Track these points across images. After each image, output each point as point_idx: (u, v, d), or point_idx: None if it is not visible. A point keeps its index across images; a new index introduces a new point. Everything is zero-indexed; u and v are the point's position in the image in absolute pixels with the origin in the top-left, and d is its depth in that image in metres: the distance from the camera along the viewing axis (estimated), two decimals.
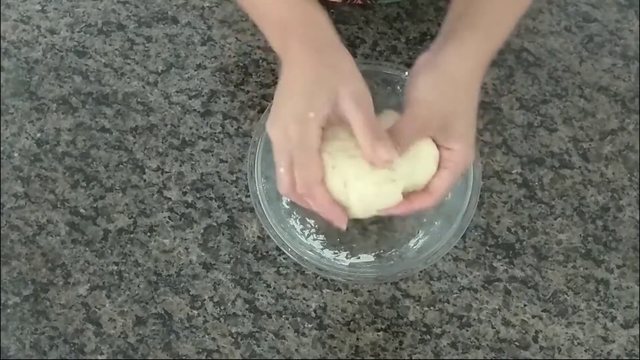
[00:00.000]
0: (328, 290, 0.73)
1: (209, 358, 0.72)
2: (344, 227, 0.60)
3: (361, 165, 0.59)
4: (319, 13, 0.60)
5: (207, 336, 0.72)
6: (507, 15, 0.64)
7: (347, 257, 0.71)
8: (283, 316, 0.73)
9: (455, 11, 0.63)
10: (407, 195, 0.61)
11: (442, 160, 0.61)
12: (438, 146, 0.60)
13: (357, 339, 0.72)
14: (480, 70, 0.62)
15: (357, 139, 0.57)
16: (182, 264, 0.75)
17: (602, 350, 0.72)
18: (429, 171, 0.61)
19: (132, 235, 0.76)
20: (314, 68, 0.58)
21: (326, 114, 0.57)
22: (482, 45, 0.62)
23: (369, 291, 0.73)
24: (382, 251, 0.71)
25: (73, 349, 0.72)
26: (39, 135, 0.79)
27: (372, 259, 0.71)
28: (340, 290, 0.74)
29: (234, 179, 0.77)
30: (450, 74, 0.60)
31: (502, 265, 0.74)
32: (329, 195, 0.59)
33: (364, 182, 0.59)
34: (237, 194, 0.77)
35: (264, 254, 0.75)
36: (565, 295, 0.73)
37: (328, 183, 0.59)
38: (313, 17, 0.60)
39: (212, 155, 0.78)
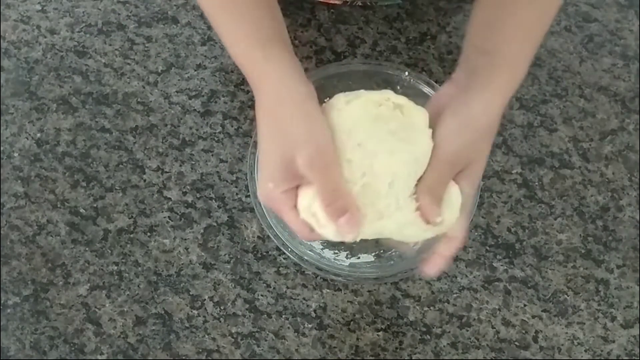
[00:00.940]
0: (328, 290, 0.73)
1: (209, 358, 0.72)
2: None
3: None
4: (287, 59, 0.59)
5: (207, 336, 0.72)
6: (528, 49, 0.62)
7: (347, 257, 0.71)
8: (283, 316, 0.73)
9: (476, 44, 0.61)
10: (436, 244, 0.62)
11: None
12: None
13: (357, 339, 0.72)
14: (502, 111, 0.61)
15: (320, 205, 0.57)
16: (182, 264, 0.75)
17: (602, 350, 0.72)
18: (455, 214, 0.60)
19: (132, 235, 0.76)
20: (269, 134, 0.58)
21: (287, 183, 0.57)
22: (506, 87, 0.61)
23: (369, 291, 0.73)
24: (382, 251, 0.71)
25: (73, 349, 0.72)
26: (39, 135, 0.79)
27: (372, 259, 0.71)
28: (340, 290, 0.74)
29: (234, 179, 0.77)
30: (476, 121, 0.59)
31: (502, 265, 0.74)
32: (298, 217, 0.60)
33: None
34: (237, 194, 0.77)
35: (264, 254, 0.75)
36: (565, 295, 0.73)
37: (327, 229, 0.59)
38: (280, 69, 0.59)
39: (212, 155, 0.78)
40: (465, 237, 0.62)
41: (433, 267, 0.61)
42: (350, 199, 0.57)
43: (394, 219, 0.58)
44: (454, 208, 0.59)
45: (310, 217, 0.58)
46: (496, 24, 0.61)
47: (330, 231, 0.58)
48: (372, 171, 0.57)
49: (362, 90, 0.59)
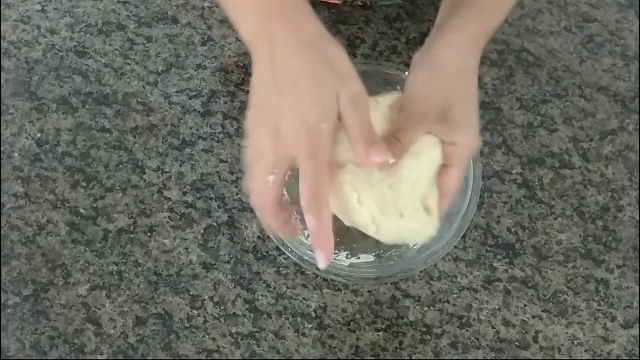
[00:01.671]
0: (328, 290, 0.73)
1: (209, 358, 0.72)
2: (322, 265, 0.55)
3: (384, 193, 0.58)
4: (307, 4, 0.56)
5: (207, 336, 0.72)
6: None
7: (347, 257, 0.71)
8: (283, 316, 0.73)
9: (448, 1, 0.62)
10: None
11: (447, 157, 0.59)
12: (440, 141, 0.60)
13: (357, 339, 0.72)
14: (474, 56, 0.60)
15: (350, 142, 0.55)
16: (182, 264, 0.75)
17: (602, 350, 0.72)
18: (433, 169, 0.60)
19: (132, 235, 0.76)
20: (310, 66, 0.53)
21: (337, 124, 0.53)
22: (474, 30, 0.60)
23: (369, 291, 0.73)
24: (382, 251, 0.71)
25: (73, 349, 0.72)
26: (39, 135, 0.79)
27: (372, 259, 0.71)
28: (340, 290, 0.74)
29: (234, 179, 0.77)
30: (441, 65, 0.59)
31: (502, 265, 0.74)
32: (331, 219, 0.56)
33: (392, 215, 0.58)
34: (237, 194, 0.77)
35: (264, 254, 0.75)
36: (565, 295, 0.73)
37: (355, 217, 0.58)
38: (302, 6, 0.56)
39: (212, 155, 0.78)
40: (455, 194, 0.61)
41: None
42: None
43: (413, 219, 0.59)
44: (428, 161, 0.59)
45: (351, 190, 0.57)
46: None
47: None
48: (397, 172, 0.58)
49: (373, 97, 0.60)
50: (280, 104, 0.53)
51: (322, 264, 0.54)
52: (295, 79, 0.53)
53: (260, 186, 0.54)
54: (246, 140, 0.56)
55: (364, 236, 0.72)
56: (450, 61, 0.59)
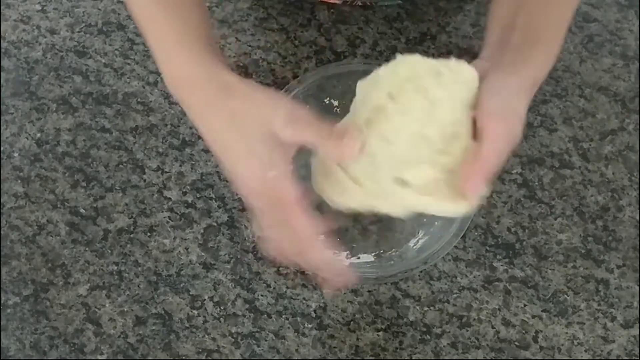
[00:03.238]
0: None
1: (209, 358, 0.72)
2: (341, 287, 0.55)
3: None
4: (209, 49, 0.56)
5: (207, 336, 0.72)
6: (563, 22, 0.60)
7: (347, 257, 0.71)
8: (283, 316, 0.73)
9: (507, 21, 0.58)
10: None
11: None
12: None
13: (357, 339, 0.72)
14: (536, 88, 0.58)
15: (318, 153, 0.54)
16: (182, 264, 0.75)
17: (602, 350, 0.72)
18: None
19: (132, 235, 0.76)
20: (227, 125, 0.54)
21: (283, 157, 0.53)
22: (543, 62, 0.58)
23: (369, 291, 0.73)
24: (382, 251, 0.71)
25: (73, 349, 0.72)
26: (39, 135, 0.79)
27: (372, 259, 0.71)
28: (341, 290, 0.74)
29: None
30: (524, 88, 0.56)
31: (502, 265, 0.74)
32: (328, 250, 0.55)
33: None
34: (237, 194, 0.77)
35: (264, 253, 0.75)
36: (565, 295, 0.73)
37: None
38: (211, 67, 0.55)
39: (212, 155, 0.78)
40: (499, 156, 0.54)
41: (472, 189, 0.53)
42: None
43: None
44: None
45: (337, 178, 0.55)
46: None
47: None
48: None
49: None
50: (238, 169, 0.55)
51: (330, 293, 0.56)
52: (222, 146, 0.55)
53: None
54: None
55: (364, 236, 0.73)
56: (523, 94, 0.56)
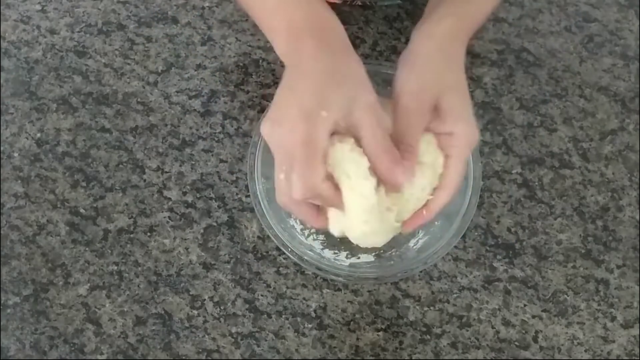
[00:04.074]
0: (328, 290, 0.74)
1: (209, 358, 0.72)
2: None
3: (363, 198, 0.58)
4: (333, 17, 0.58)
5: (207, 336, 0.72)
6: None
7: (347, 257, 0.71)
8: (283, 316, 0.73)
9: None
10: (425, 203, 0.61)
11: (445, 148, 0.59)
12: (437, 135, 0.59)
13: (357, 339, 0.72)
14: (456, 46, 0.60)
15: (369, 156, 0.54)
16: (182, 264, 0.75)
17: (602, 350, 0.72)
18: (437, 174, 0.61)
19: (132, 235, 0.76)
20: (327, 71, 0.54)
21: (339, 117, 0.54)
22: (453, 21, 0.60)
23: (369, 291, 0.73)
24: (382, 251, 0.71)
25: (73, 349, 0.72)
26: (39, 135, 0.79)
27: (372, 259, 0.71)
28: (340, 290, 0.74)
29: (234, 179, 0.77)
30: (423, 56, 0.58)
31: (502, 265, 0.74)
32: (338, 192, 0.56)
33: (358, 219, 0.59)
34: (237, 194, 0.77)
35: (264, 254, 0.75)
36: (565, 295, 0.73)
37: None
38: (327, 22, 0.58)
39: (212, 155, 0.78)
40: (458, 186, 0.61)
41: (417, 221, 0.61)
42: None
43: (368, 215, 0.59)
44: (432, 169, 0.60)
45: (344, 176, 0.56)
46: None
47: (367, 186, 0.56)
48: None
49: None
50: (289, 102, 0.55)
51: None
52: (313, 80, 0.54)
53: (277, 184, 0.57)
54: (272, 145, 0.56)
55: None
56: (431, 52, 0.59)
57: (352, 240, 0.63)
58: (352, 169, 0.56)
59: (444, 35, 0.60)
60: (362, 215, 0.58)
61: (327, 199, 0.56)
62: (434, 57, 0.59)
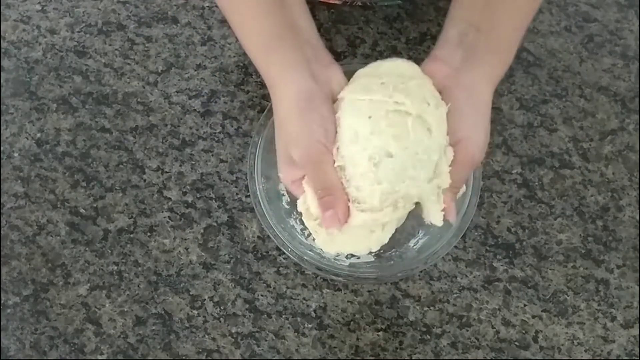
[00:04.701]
0: (328, 290, 0.73)
1: (209, 358, 0.72)
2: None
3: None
4: (289, 58, 0.61)
5: (207, 336, 0.72)
6: (520, 33, 0.64)
7: (347, 257, 0.71)
8: (283, 316, 0.73)
9: (472, 22, 0.61)
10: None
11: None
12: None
13: (357, 339, 0.72)
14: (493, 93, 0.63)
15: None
16: (182, 264, 0.75)
17: (602, 350, 0.72)
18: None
19: (132, 235, 0.76)
20: (277, 131, 0.61)
21: (291, 175, 0.62)
22: (499, 70, 0.62)
23: (369, 291, 0.73)
24: (382, 251, 0.71)
25: (73, 349, 0.72)
26: (39, 135, 0.79)
27: (372, 259, 0.71)
28: (340, 290, 0.74)
29: (234, 179, 0.77)
30: (483, 103, 0.60)
31: (502, 265, 0.74)
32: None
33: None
34: (237, 194, 0.77)
35: (264, 254, 0.75)
36: (565, 295, 0.73)
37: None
38: (281, 71, 0.61)
39: (212, 155, 0.78)
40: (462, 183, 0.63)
41: (450, 214, 0.62)
42: (341, 194, 0.59)
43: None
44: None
45: (304, 209, 0.62)
46: (494, 2, 0.61)
47: (314, 226, 0.63)
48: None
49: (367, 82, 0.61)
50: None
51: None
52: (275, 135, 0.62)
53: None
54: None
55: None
56: (488, 95, 0.61)
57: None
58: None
59: (497, 81, 0.62)
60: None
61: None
62: (488, 105, 0.61)
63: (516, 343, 0.72)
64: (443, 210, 0.61)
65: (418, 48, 0.82)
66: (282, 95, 0.60)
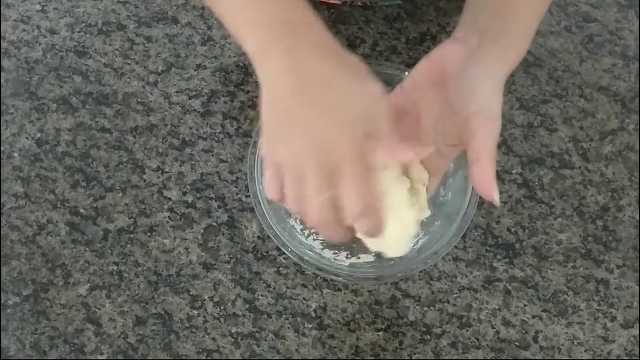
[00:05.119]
0: (328, 290, 0.74)
1: (209, 358, 0.72)
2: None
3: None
4: (318, 19, 0.54)
5: (207, 336, 0.72)
6: (536, 23, 0.63)
7: (347, 257, 0.71)
8: (283, 316, 0.73)
9: (492, 6, 0.61)
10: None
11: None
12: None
13: (357, 339, 0.72)
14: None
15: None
16: (182, 264, 0.75)
17: (602, 350, 0.72)
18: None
19: (132, 235, 0.76)
20: (339, 72, 0.50)
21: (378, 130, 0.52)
22: (514, 57, 0.61)
23: (369, 291, 0.73)
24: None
25: (73, 349, 0.72)
26: (39, 135, 0.79)
27: (372, 259, 0.71)
28: (340, 290, 0.74)
29: (234, 179, 0.77)
30: (496, 80, 0.59)
31: (502, 265, 0.74)
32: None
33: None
34: (237, 194, 0.77)
35: (264, 254, 0.75)
36: (565, 295, 0.73)
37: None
38: (314, 20, 0.53)
39: (212, 155, 0.78)
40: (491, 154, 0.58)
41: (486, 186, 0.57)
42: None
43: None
44: None
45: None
46: None
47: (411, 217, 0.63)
48: None
49: None
50: (310, 112, 0.50)
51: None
52: (327, 85, 0.50)
53: (316, 207, 0.51)
54: (268, 161, 0.53)
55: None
56: (501, 75, 0.60)
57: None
58: (395, 198, 0.59)
59: (506, 77, 0.61)
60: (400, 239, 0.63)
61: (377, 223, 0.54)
62: (501, 84, 0.60)
63: (516, 343, 0.72)
64: (481, 185, 0.57)
65: (418, 48, 0.82)
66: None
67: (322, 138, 0.50)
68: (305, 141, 0.50)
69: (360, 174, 0.50)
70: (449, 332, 0.72)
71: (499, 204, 0.60)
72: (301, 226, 0.71)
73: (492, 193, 0.57)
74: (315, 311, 0.73)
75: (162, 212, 0.76)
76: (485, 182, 0.57)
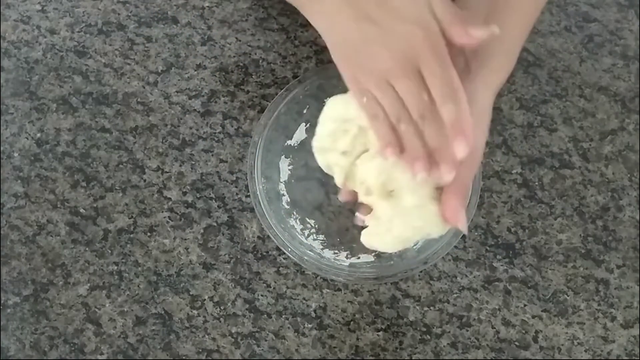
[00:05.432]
0: (328, 290, 0.74)
1: (209, 358, 0.72)
2: (463, 153, 0.54)
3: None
4: None
5: (207, 336, 0.72)
6: (523, 38, 0.63)
7: (347, 257, 0.71)
8: (283, 316, 0.73)
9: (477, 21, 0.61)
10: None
11: None
12: None
13: (357, 339, 0.72)
14: (494, 98, 0.62)
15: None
16: (182, 264, 0.75)
17: (602, 350, 0.72)
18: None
19: (132, 235, 0.76)
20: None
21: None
22: (502, 73, 0.61)
23: (369, 291, 0.73)
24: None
25: (73, 349, 0.72)
26: (39, 135, 0.79)
27: (372, 259, 0.71)
28: (340, 290, 0.74)
29: (234, 179, 0.77)
30: (482, 108, 0.59)
31: (502, 265, 0.74)
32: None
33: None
34: (237, 194, 0.77)
35: (264, 254, 0.75)
36: (565, 295, 0.73)
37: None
38: None
39: (212, 155, 0.78)
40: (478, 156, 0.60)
41: (453, 212, 0.59)
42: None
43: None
44: None
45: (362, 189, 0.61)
46: (499, 8, 0.61)
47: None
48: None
49: None
50: (376, 30, 0.54)
51: (462, 152, 0.54)
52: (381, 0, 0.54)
53: (413, 107, 0.55)
54: (358, 95, 0.56)
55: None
56: (487, 100, 0.60)
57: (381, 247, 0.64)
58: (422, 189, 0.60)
59: (494, 94, 0.61)
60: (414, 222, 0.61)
61: (462, 113, 0.55)
62: (488, 110, 0.60)
63: (516, 343, 0.72)
64: (449, 215, 0.59)
65: None
66: None
67: (397, 46, 0.53)
68: (383, 57, 0.54)
69: (442, 57, 0.54)
70: (449, 332, 0.72)
71: (467, 233, 0.63)
72: (301, 226, 0.71)
73: (458, 223, 0.59)
74: (315, 311, 0.73)
75: (162, 212, 0.76)
76: (454, 213, 0.59)
